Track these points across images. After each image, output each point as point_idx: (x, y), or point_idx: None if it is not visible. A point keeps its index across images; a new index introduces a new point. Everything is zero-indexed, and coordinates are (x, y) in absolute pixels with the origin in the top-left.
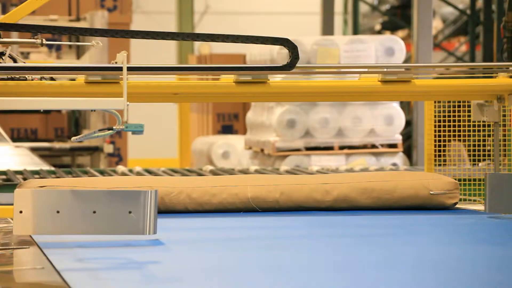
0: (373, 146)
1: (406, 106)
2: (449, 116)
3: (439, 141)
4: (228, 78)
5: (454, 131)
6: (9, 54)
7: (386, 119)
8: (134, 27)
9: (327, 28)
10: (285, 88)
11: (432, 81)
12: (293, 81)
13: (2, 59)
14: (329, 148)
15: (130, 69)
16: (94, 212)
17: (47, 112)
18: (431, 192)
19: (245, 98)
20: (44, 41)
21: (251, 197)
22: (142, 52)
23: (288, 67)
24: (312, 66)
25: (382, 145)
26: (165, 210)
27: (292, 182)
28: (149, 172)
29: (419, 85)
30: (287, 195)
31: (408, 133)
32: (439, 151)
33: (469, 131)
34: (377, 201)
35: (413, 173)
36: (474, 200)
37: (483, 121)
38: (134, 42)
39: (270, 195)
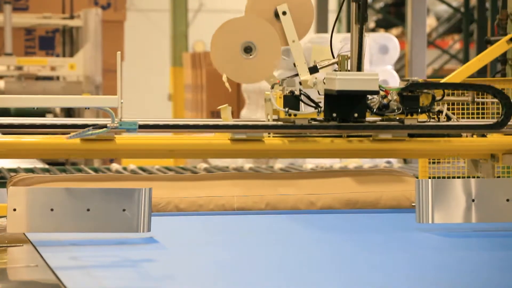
0: None
1: None
2: None
3: None
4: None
5: None
6: (446, 113)
7: None
8: (128, 25)
9: (321, 26)
10: (281, 146)
11: (424, 141)
12: (289, 139)
13: (438, 117)
14: None
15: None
16: (88, 210)
17: None
18: (413, 204)
19: (240, 155)
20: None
21: (237, 208)
22: (137, 50)
23: (498, 126)
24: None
25: None
26: None
27: (277, 192)
28: (143, 170)
29: (411, 143)
30: (272, 206)
31: None
32: None
33: None
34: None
35: (397, 183)
36: None
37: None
38: (128, 40)
39: (255, 206)
